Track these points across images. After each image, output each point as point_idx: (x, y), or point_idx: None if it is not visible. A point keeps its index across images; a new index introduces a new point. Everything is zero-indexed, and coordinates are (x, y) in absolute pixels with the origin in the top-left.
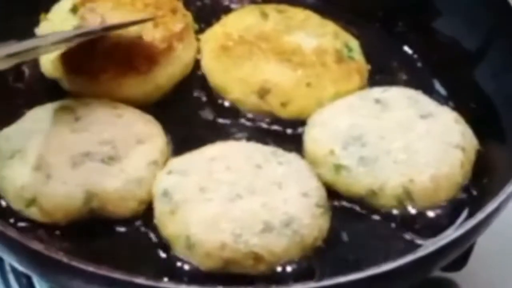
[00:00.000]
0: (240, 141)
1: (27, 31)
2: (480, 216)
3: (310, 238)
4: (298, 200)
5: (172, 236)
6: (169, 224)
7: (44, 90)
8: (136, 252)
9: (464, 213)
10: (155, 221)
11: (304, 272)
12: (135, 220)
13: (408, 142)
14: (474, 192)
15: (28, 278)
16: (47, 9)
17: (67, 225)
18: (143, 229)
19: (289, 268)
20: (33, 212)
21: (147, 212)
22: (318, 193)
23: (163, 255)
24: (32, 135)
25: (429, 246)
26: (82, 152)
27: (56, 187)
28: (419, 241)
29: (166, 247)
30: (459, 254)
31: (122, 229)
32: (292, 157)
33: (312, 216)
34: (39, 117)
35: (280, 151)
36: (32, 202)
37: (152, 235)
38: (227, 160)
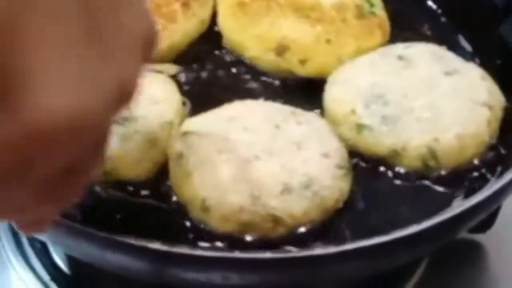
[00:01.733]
0: (258, 100)
1: None
2: (508, 176)
3: (331, 200)
4: (318, 161)
5: (188, 199)
6: (185, 187)
7: None
8: (151, 216)
9: (493, 173)
10: (170, 184)
11: (326, 234)
12: (149, 182)
13: (432, 100)
14: (502, 151)
15: (43, 244)
16: None
17: None
18: (157, 192)
19: (309, 231)
20: None
21: (162, 174)
22: (339, 154)
23: (179, 219)
24: None
25: (455, 208)
26: None
27: None
28: (444, 202)
29: (181, 211)
30: (486, 215)
31: (135, 191)
32: (312, 116)
33: (333, 177)
34: None
35: (299, 111)
36: None
37: (167, 198)
38: (245, 120)
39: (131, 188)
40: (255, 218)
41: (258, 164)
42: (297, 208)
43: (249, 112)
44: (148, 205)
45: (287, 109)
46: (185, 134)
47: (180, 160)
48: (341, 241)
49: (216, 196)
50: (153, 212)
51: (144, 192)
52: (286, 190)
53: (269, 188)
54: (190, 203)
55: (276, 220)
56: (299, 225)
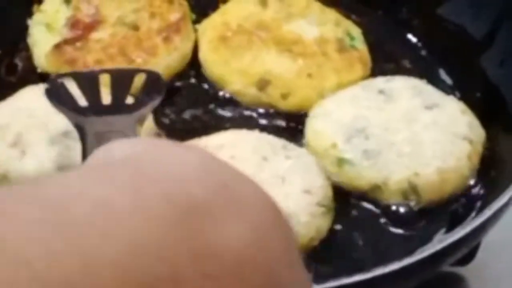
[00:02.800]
0: (253, 131)
1: (20, 23)
2: (488, 212)
3: (306, 238)
4: (299, 197)
5: None
6: None
7: (37, 83)
8: None
9: (473, 207)
10: None
11: None
12: None
13: (413, 134)
14: (482, 186)
15: None
16: (40, 0)
17: None
18: None
19: None
20: None
21: None
22: (322, 192)
23: None
24: (18, 112)
25: (436, 244)
26: (61, 132)
27: (28, 162)
28: (425, 238)
29: None
30: (467, 251)
31: None
32: (302, 152)
33: (311, 214)
34: (29, 95)
35: (291, 145)
36: (3, 177)
37: None
38: (234, 149)
39: None
40: None
41: None
42: None
43: (240, 142)
44: None
45: (279, 142)
46: None
47: None
48: (318, 278)
49: None
50: None
51: None
52: None
53: None
54: None
55: None
56: None
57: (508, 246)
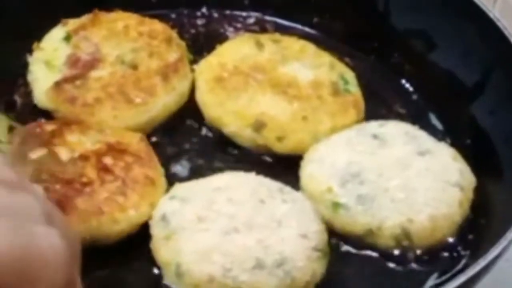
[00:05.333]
0: (249, 173)
1: (19, 60)
2: (482, 262)
3: (302, 282)
4: (296, 241)
5: (164, 262)
6: (163, 249)
7: (37, 120)
8: (128, 277)
9: (464, 253)
10: (151, 245)
11: None
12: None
13: (406, 180)
14: (473, 232)
15: None
16: (39, 38)
17: None
18: (136, 253)
19: None
20: None
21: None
22: (318, 236)
23: (154, 281)
24: None
25: None
26: None
27: None
28: (419, 281)
29: (157, 274)
30: None
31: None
32: (298, 196)
33: (308, 259)
34: None
35: (287, 189)
36: None
37: (145, 261)
38: (231, 192)
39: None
40: None
41: (236, 236)
42: (266, 285)
43: (238, 185)
44: (127, 266)
45: (275, 185)
46: (171, 198)
47: (162, 222)
48: None
49: (190, 263)
50: (131, 273)
51: (123, 253)
52: (258, 266)
53: (241, 262)
54: (165, 267)
55: None
56: None
57: None
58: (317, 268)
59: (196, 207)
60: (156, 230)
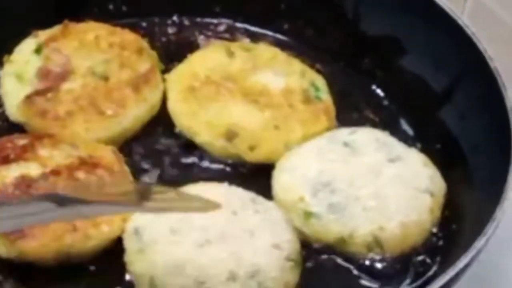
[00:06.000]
0: (222, 184)
1: None
2: (451, 272)
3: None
4: (268, 252)
5: (138, 275)
6: (136, 263)
7: (8, 134)
8: None
9: (434, 259)
10: (125, 259)
11: None
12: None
13: (377, 188)
14: (443, 239)
15: None
16: (9, 51)
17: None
18: (110, 267)
19: None
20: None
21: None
22: (290, 246)
23: None
24: None
25: None
26: None
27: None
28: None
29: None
30: None
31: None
32: (271, 206)
33: (281, 269)
34: None
35: (260, 199)
36: None
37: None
38: None
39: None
40: None
41: (208, 249)
42: None
43: (210, 196)
44: (100, 280)
45: (247, 195)
46: None
47: (135, 236)
48: None
49: (164, 276)
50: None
51: (98, 267)
52: (231, 278)
53: (215, 275)
54: (139, 280)
55: None
56: None
57: None
58: (290, 278)
59: (169, 220)
60: (129, 244)
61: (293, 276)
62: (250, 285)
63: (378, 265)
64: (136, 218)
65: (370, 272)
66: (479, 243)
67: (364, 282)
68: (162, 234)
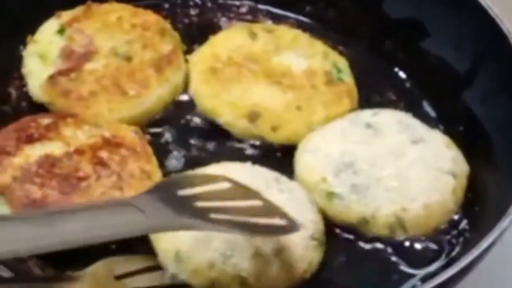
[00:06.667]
0: (245, 163)
1: (14, 53)
2: (475, 252)
3: (299, 270)
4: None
5: (163, 250)
6: (162, 238)
7: (32, 114)
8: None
9: (457, 241)
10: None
11: None
12: None
13: (400, 169)
14: (466, 220)
15: None
16: (33, 31)
17: None
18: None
19: None
20: None
21: None
22: (314, 226)
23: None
24: None
25: (422, 286)
26: None
27: None
28: (411, 271)
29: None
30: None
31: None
32: (294, 186)
33: (305, 248)
34: None
35: (283, 178)
36: None
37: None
38: None
39: None
40: (223, 276)
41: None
42: (265, 273)
43: (233, 175)
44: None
45: (271, 175)
46: None
47: None
48: None
49: (190, 250)
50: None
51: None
52: (257, 254)
53: (241, 250)
54: (164, 255)
55: (243, 282)
56: None
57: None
58: (314, 256)
59: None
60: None
61: (317, 255)
62: (275, 262)
63: (401, 246)
64: None
65: (393, 253)
66: (503, 223)
67: (387, 263)
68: None
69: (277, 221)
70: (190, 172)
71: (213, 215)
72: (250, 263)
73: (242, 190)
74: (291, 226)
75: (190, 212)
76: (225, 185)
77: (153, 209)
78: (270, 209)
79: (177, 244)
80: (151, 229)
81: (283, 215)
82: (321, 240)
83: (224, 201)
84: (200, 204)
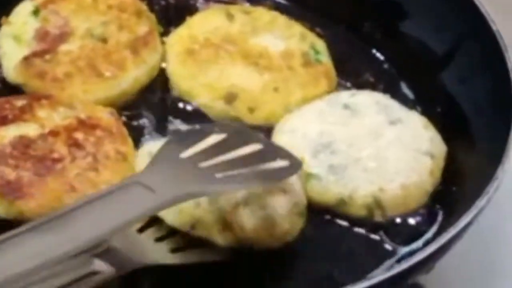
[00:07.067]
0: None
1: None
2: (453, 231)
3: (282, 228)
4: (279, 194)
5: None
6: None
7: (6, 95)
8: None
9: (434, 221)
10: None
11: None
12: None
13: (377, 149)
14: (444, 201)
15: None
16: (7, 12)
17: None
18: None
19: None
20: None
21: None
22: (298, 195)
23: None
24: None
25: (400, 265)
26: None
27: None
28: (389, 251)
29: None
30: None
31: None
32: None
33: (289, 211)
34: None
35: None
36: None
37: None
38: None
39: None
40: (207, 217)
41: None
42: (248, 222)
43: None
44: None
45: None
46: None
47: (149, 156)
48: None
49: None
50: None
51: None
52: (244, 203)
53: (229, 197)
54: None
55: (226, 225)
56: (247, 242)
57: (467, 256)
58: (295, 221)
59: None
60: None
61: (298, 221)
62: (260, 215)
63: (379, 227)
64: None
65: (369, 233)
66: (480, 202)
67: (362, 243)
68: None
69: (281, 163)
70: (184, 129)
71: (220, 175)
72: (235, 210)
73: (240, 136)
74: (295, 165)
75: (198, 178)
76: (221, 136)
77: (161, 184)
78: (272, 151)
79: None
80: (163, 206)
81: (285, 154)
82: (303, 212)
83: (225, 153)
84: (204, 164)
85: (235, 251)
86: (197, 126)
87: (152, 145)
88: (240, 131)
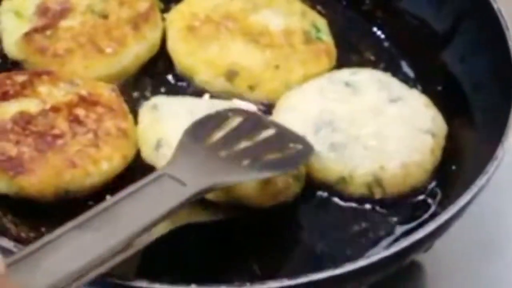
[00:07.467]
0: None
1: None
2: (453, 209)
3: (277, 187)
4: None
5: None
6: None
7: (7, 71)
8: None
9: (434, 200)
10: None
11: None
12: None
13: (378, 127)
14: (444, 179)
15: None
16: None
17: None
18: None
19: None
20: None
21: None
22: None
23: None
24: None
25: (398, 244)
26: None
27: None
28: (388, 230)
29: None
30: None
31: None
32: None
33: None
34: None
35: None
36: None
37: None
38: None
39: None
40: None
41: None
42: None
43: None
44: None
45: None
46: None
47: (153, 109)
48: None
49: (172, 138)
50: None
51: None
52: None
53: None
54: (146, 143)
55: None
56: (237, 197)
57: (465, 235)
58: (292, 184)
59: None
60: (144, 116)
61: (294, 185)
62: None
63: (379, 205)
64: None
65: (369, 211)
66: (480, 181)
67: (364, 221)
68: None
69: (296, 146)
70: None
71: (244, 163)
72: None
73: (253, 121)
74: (308, 148)
75: (224, 167)
76: (237, 121)
77: (190, 176)
78: (285, 135)
79: (159, 134)
80: (194, 197)
81: (296, 138)
82: (300, 177)
83: (243, 139)
84: (227, 153)
85: (229, 212)
86: (213, 111)
87: (158, 99)
88: (253, 115)
